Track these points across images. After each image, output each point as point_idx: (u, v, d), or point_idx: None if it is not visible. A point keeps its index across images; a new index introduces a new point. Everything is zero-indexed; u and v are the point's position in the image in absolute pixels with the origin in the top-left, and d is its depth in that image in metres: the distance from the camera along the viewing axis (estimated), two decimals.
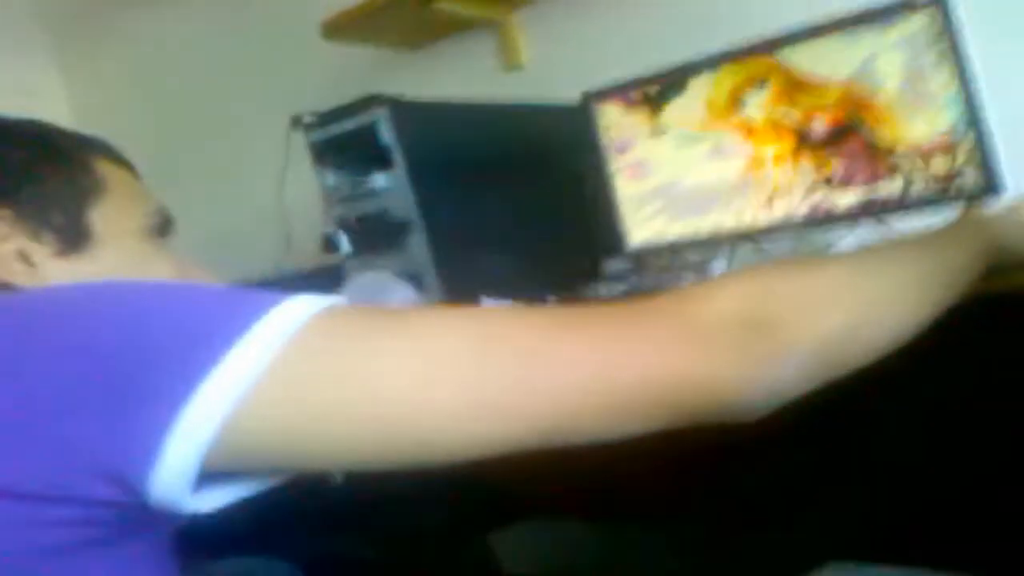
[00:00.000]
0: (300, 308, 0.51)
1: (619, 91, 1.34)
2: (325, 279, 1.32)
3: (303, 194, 1.52)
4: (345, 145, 1.38)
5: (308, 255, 1.46)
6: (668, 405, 0.54)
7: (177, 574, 0.60)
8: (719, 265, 1.19)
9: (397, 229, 1.31)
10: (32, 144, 0.72)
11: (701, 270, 1.20)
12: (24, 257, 0.68)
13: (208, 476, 0.49)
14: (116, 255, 0.72)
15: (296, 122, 1.48)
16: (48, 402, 0.47)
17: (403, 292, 1.19)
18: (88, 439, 0.46)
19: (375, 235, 1.33)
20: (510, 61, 1.87)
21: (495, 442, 0.53)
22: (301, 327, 0.50)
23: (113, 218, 0.72)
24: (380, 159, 1.32)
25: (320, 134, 1.40)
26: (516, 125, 1.49)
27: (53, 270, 0.68)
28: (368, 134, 1.33)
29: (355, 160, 1.39)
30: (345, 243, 1.34)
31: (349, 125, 1.36)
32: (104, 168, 0.74)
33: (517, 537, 1.49)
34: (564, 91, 1.47)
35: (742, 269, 0.61)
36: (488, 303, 1.23)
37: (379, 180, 1.33)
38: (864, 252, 0.64)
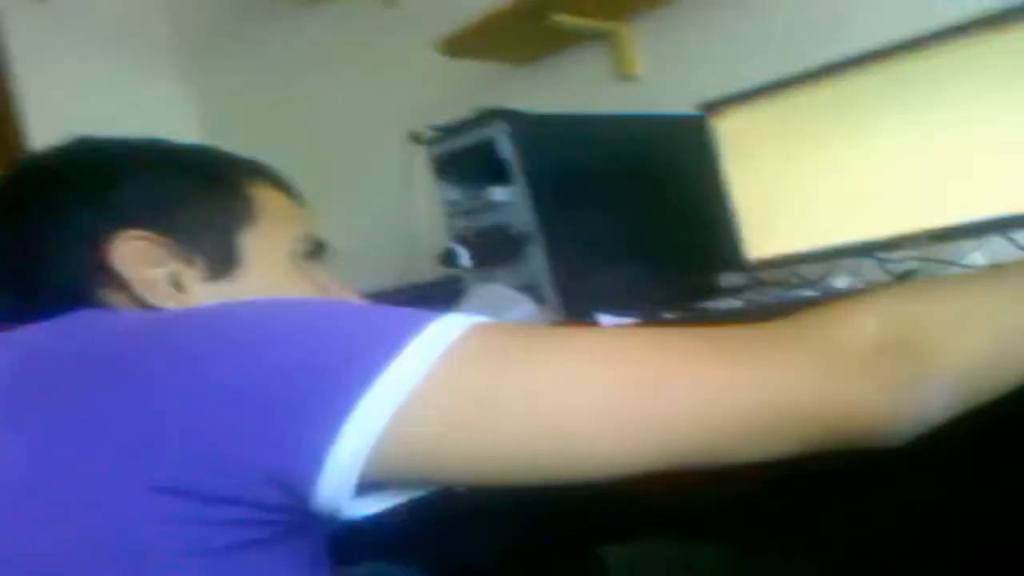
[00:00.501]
0: (451, 326, 0.54)
1: (737, 101, 1.34)
2: (445, 292, 1.36)
3: (423, 208, 1.57)
4: (465, 159, 1.41)
5: (428, 268, 1.50)
6: (806, 430, 0.55)
7: (329, 574, 0.64)
8: (840, 280, 1.18)
9: (516, 242, 1.33)
10: (190, 171, 0.74)
11: (821, 285, 1.19)
12: (175, 281, 0.70)
13: (365, 484, 0.52)
14: (263, 279, 0.73)
15: (415, 137, 1.53)
16: (227, 412, 0.50)
17: (523, 305, 1.22)
18: (261, 448, 0.50)
19: (494, 248, 1.36)
20: (624, 72, 1.88)
21: (633, 463, 0.54)
22: (452, 344, 0.53)
23: (262, 243, 0.74)
24: (499, 173, 1.35)
25: (440, 148, 1.44)
26: (634, 137, 1.50)
27: (202, 294, 0.70)
28: (487, 148, 1.36)
29: (475, 174, 1.42)
30: (465, 256, 1.38)
31: (468, 139, 1.40)
32: (259, 193, 0.76)
33: (632, 554, 1.50)
34: (678, 102, 1.47)
35: (879, 289, 0.61)
36: (605, 318, 1.25)
37: (498, 194, 1.36)
38: (1001, 271, 0.63)
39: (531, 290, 1.31)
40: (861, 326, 0.56)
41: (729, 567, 1.38)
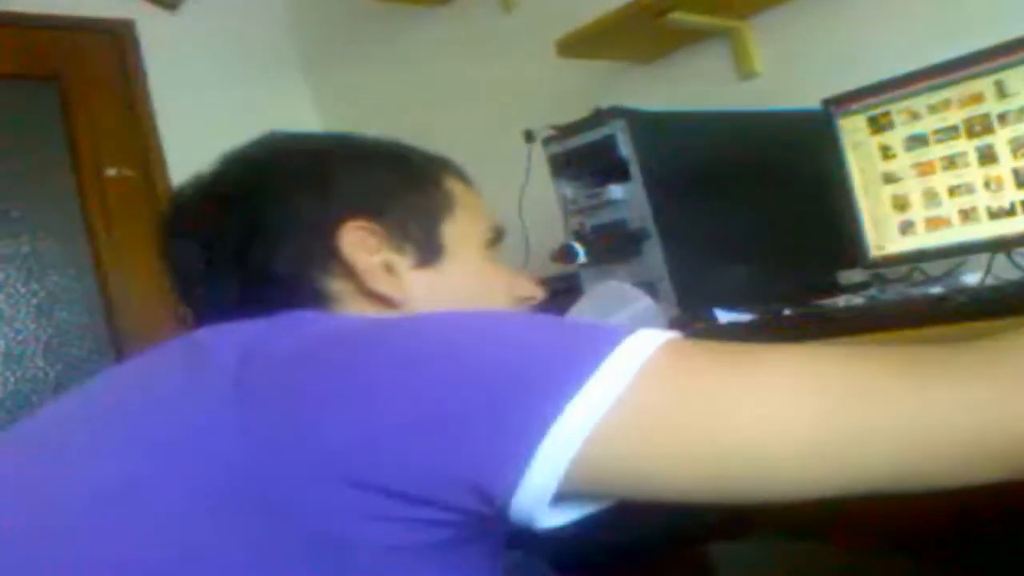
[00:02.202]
0: (647, 342, 0.55)
1: (861, 97, 1.34)
2: (562, 289, 1.40)
3: (539, 206, 1.61)
4: (582, 157, 1.45)
5: (545, 265, 1.54)
6: (1003, 458, 0.53)
7: (501, 569, 0.66)
8: (970, 277, 1.17)
9: (633, 239, 1.36)
10: (394, 164, 0.78)
11: (948, 282, 1.18)
12: (389, 268, 0.73)
13: (559, 496, 0.53)
14: (463, 266, 0.77)
15: (529, 136, 1.58)
16: (432, 420, 0.53)
17: (640, 301, 1.24)
18: (462, 457, 0.53)
19: (611, 245, 1.40)
20: (744, 70, 1.89)
21: (829, 487, 0.54)
22: (648, 360, 0.54)
23: (460, 232, 0.77)
24: (617, 170, 1.38)
25: (558, 147, 1.48)
26: (752, 133, 1.51)
27: (412, 280, 0.73)
28: (605, 146, 1.39)
29: (592, 172, 1.45)
30: (582, 253, 1.42)
31: (587, 137, 1.43)
32: (452, 185, 0.79)
33: (742, 553, 1.50)
34: (800, 98, 1.47)
35: None
36: (722, 314, 1.27)
37: (616, 191, 1.39)
38: None
39: (648, 286, 1.33)
40: None
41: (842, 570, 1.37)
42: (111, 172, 2.66)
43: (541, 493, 0.53)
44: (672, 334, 0.57)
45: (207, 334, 0.65)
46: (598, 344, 0.55)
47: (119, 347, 2.53)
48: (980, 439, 0.52)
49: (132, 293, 2.54)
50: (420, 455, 0.53)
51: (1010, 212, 1.19)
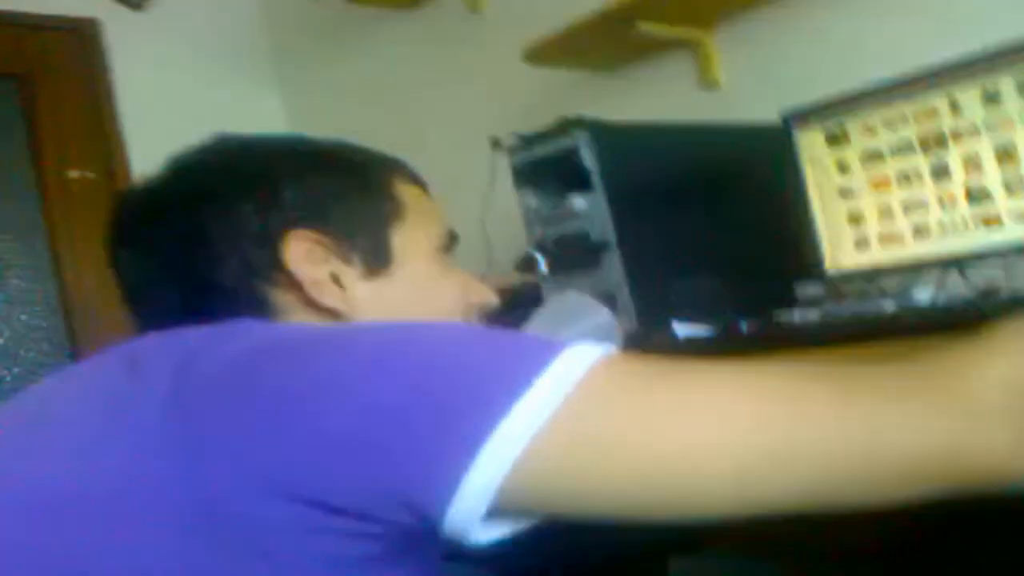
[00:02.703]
0: (583, 357, 0.55)
1: (820, 111, 1.35)
2: (522, 299, 1.40)
3: (504, 214, 1.62)
4: (546, 167, 1.45)
5: (508, 275, 1.55)
6: (936, 477, 0.54)
7: None
8: (922, 293, 1.19)
9: (593, 250, 1.37)
10: (342, 170, 0.76)
11: (902, 297, 1.20)
12: (336, 279, 0.72)
13: (492, 511, 0.54)
14: (413, 276, 0.76)
15: (495, 144, 1.58)
16: (365, 435, 0.53)
17: (600, 313, 1.25)
18: (395, 472, 0.53)
19: (572, 256, 1.40)
20: (707, 80, 1.91)
21: (758, 506, 0.54)
22: (582, 377, 0.54)
23: (410, 239, 0.76)
24: (579, 181, 1.39)
25: (522, 156, 1.49)
26: (713, 146, 1.52)
27: (360, 291, 0.73)
28: (569, 157, 1.40)
29: (555, 182, 1.46)
30: (543, 263, 1.43)
31: (550, 148, 1.44)
32: (403, 190, 0.78)
33: (698, 570, 1.51)
34: (761, 109, 1.49)
35: (1007, 326, 0.59)
36: (680, 327, 1.28)
37: (577, 202, 1.40)
38: None
39: (608, 298, 1.34)
40: (993, 371, 0.55)
41: None
42: (73, 174, 2.64)
43: (473, 510, 0.53)
44: (608, 350, 0.57)
45: (145, 343, 0.65)
46: (532, 361, 0.55)
47: (78, 351, 2.51)
48: (910, 459, 0.54)
49: (92, 296, 2.51)
50: (353, 470, 0.53)
51: (962, 228, 1.21)
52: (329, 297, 0.71)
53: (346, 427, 0.53)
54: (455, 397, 0.54)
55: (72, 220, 2.59)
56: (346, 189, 0.75)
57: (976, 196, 1.20)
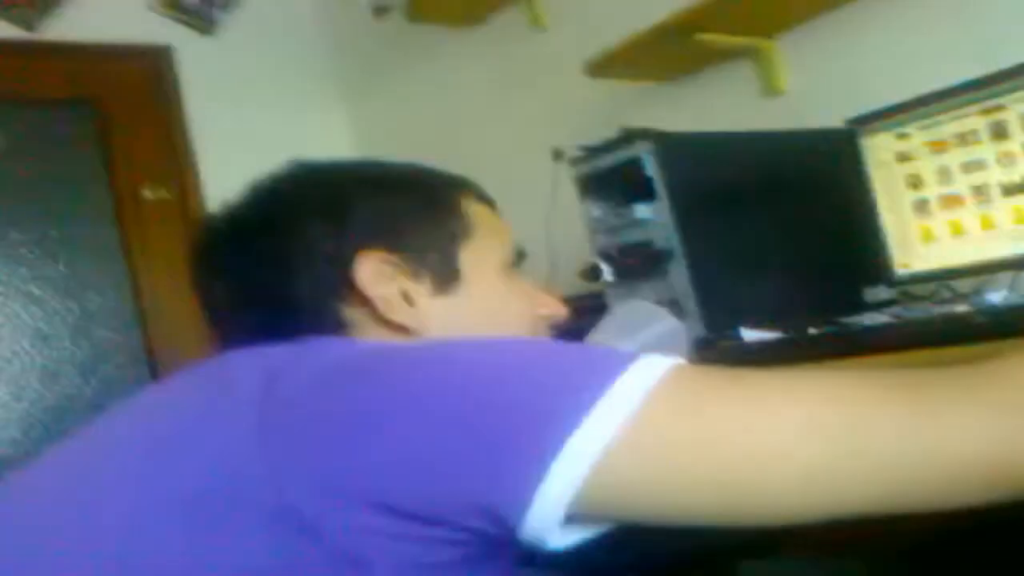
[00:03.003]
0: (653, 368, 0.57)
1: (887, 115, 1.35)
2: (588, 307, 1.41)
3: (567, 225, 1.64)
4: (609, 178, 1.47)
5: (572, 284, 1.56)
6: (999, 481, 0.54)
7: None
8: (995, 295, 1.17)
9: (659, 258, 1.38)
10: (411, 191, 0.79)
11: (974, 300, 1.18)
12: (406, 297, 0.74)
13: (569, 517, 0.55)
14: (481, 292, 0.78)
15: (557, 155, 1.60)
16: (444, 444, 0.55)
17: (665, 320, 1.26)
18: (475, 482, 0.54)
19: (637, 264, 1.41)
20: (771, 88, 1.90)
21: (828, 510, 0.55)
22: (655, 386, 0.55)
23: (479, 257, 0.79)
24: (643, 191, 1.40)
25: (586, 167, 1.50)
26: (777, 153, 1.52)
27: (430, 308, 0.75)
28: (631, 167, 1.41)
29: (618, 191, 1.47)
30: (608, 272, 1.43)
31: (613, 158, 1.45)
32: (471, 209, 0.81)
33: (771, 571, 1.50)
34: (826, 117, 1.48)
35: None
36: (748, 333, 1.28)
37: (642, 211, 1.40)
38: None
39: (674, 305, 1.35)
40: None
41: None
42: (147, 194, 2.73)
43: (550, 517, 0.54)
44: (678, 360, 0.58)
45: (232, 359, 0.68)
46: (604, 371, 0.56)
47: (154, 366, 2.59)
48: (978, 465, 0.54)
49: (167, 312, 2.59)
50: (435, 479, 0.55)
51: None
52: (399, 314, 0.74)
53: (425, 440, 0.56)
54: (529, 407, 0.56)
55: (146, 238, 2.69)
56: (415, 209, 0.78)
57: None
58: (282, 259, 0.74)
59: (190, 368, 0.70)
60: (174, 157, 2.77)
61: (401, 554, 0.56)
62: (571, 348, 0.62)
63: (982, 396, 0.55)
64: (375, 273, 0.74)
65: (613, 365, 0.56)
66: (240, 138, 2.71)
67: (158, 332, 2.62)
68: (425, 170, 0.83)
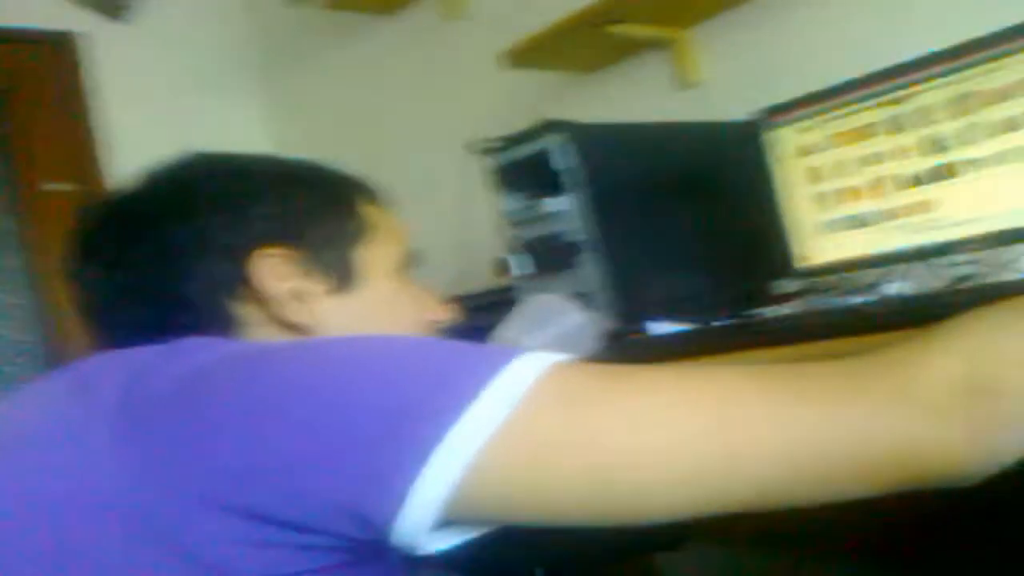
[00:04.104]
0: (533, 365, 0.56)
1: (797, 107, 1.36)
2: (499, 301, 1.41)
3: (481, 218, 1.63)
4: (523, 169, 1.46)
5: (484, 278, 1.56)
6: (889, 473, 0.55)
7: None
8: (893, 286, 1.19)
9: (570, 251, 1.38)
10: (312, 188, 0.78)
11: (874, 291, 1.21)
12: (298, 295, 0.73)
13: (441, 520, 0.54)
14: (374, 292, 0.78)
15: (472, 147, 1.59)
16: (310, 447, 0.54)
17: (574, 314, 1.26)
18: (341, 484, 0.53)
19: (549, 258, 1.41)
20: (685, 80, 1.92)
21: (712, 505, 0.55)
22: (535, 383, 0.55)
23: (373, 257, 0.78)
24: (556, 183, 1.40)
25: (499, 159, 1.50)
26: (688, 145, 1.54)
27: (322, 307, 0.74)
28: (546, 158, 1.41)
29: (531, 184, 1.47)
30: (519, 265, 1.43)
31: (527, 150, 1.45)
32: (368, 210, 0.80)
33: (686, 560, 1.52)
34: (741, 109, 1.50)
35: (962, 320, 0.59)
36: (656, 325, 1.29)
37: (552, 204, 1.41)
38: None
39: (585, 298, 1.35)
40: (945, 367, 0.55)
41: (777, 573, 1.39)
42: (50, 186, 2.64)
43: (421, 520, 0.53)
44: (558, 357, 0.58)
45: (93, 363, 0.66)
46: (480, 369, 0.55)
47: (56, 365, 2.50)
48: (863, 457, 0.54)
49: (69, 310, 2.51)
50: (298, 482, 0.53)
51: (936, 222, 1.22)
52: (293, 313, 0.73)
53: (288, 439, 0.54)
54: (400, 407, 0.54)
55: (49, 233, 2.60)
56: (314, 208, 0.77)
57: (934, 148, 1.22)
58: (173, 250, 0.72)
59: (47, 376, 0.68)
60: (80, 148, 2.68)
61: (267, 562, 0.55)
62: (449, 346, 0.60)
63: (874, 390, 0.55)
64: (272, 271, 0.72)
65: (490, 363, 0.55)
66: (154, 128, 2.64)
67: (60, 330, 2.54)
68: (325, 168, 0.82)
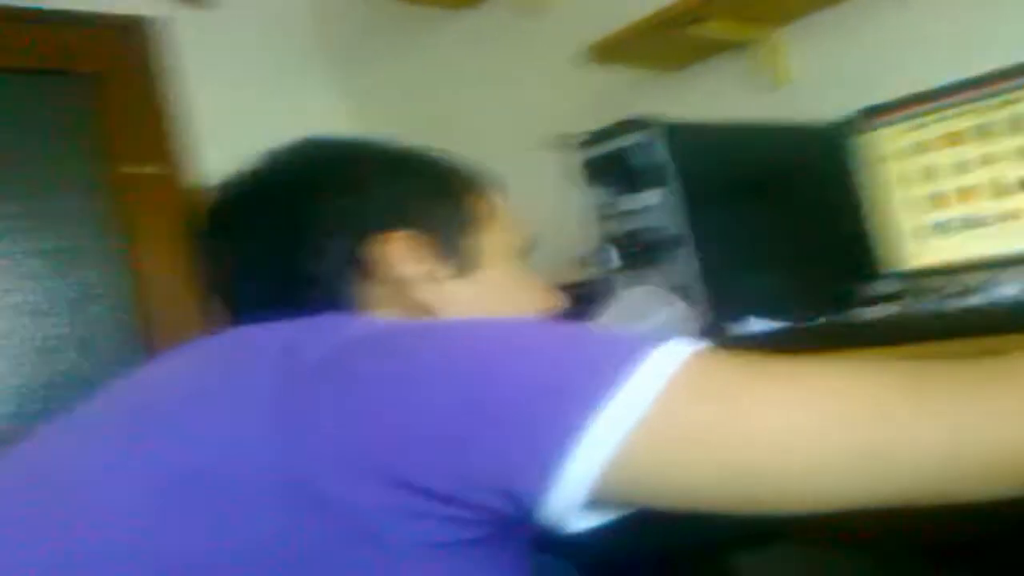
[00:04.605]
0: (677, 352, 0.57)
1: (894, 108, 1.37)
2: (592, 295, 1.43)
3: (567, 213, 1.65)
4: (612, 164, 1.48)
5: (574, 272, 1.58)
6: (1019, 475, 0.55)
7: (528, 570, 0.68)
8: (1008, 288, 1.18)
9: (664, 246, 1.40)
10: (432, 174, 0.82)
11: (984, 294, 1.20)
12: (432, 277, 0.76)
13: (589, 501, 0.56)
14: (495, 277, 0.81)
15: (559, 142, 1.61)
16: (466, 423, 0.56)
17: (672, 306, 1.28)
18: (495, 461, 0.55)
19: (642, 251, 1.43)
20: (774, 80, 1.91)
21: (855, 501, 0.56)
22: (678, 371, 0.56)
23: (494, 243, 0.82)
24: (647, 178, 1.42)
25: (588, 153, 1.51)
26: (784, 143, 1.55)
27: (451, 289, 0.77)
28: (635, 154, 1.43)
29: (619, 179, 1.48)
30: (613, 259, 1.45)
31: (617, 144, 1.46)
32: (488, 196, 0.84)
33: (767, 563, 1.52)
34: (829, 110, 1.51)
35: None
36: (754, 321, 1.30)
37: (648, 198, 1.42)
38: None
39: (679, 292, 1.37)
40: None
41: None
42: (137, 169, 2.71)
43: (571, 499, 0.55)
44: (701, 345, 0.59)
45: (245, 334, 0.68)
46: (630, 354, 0.57)
47: (149, 343, 2.57)
48: (1000, 455, 0.54)
49: (161, 289, 2.58)
50: (454, 456, 0.55)
51: None
52: (425, 294, 0.75)
53: (446, 415, 0.56)
54: (554, 388, 0.56)
55: (139, 214, 2.67)
56: (439, 192, 0.80)
57: None
58: (306, 226, 0.75)
59: (196, 343, 0.70)
60: (167, 132, 2.75)
61: (415, 532, 0.56)
62: (596, 332, 0.64)
63: (1002, 390, 0.56)
64: (404, 252, 0.75)
65: (638, 348, 0.57)
66: (234, 113, 2.70)
67: (152, 309, 2.61)
68: (444, 156, 0.85)
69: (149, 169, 2.71)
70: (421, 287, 0.76)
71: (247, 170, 0.80)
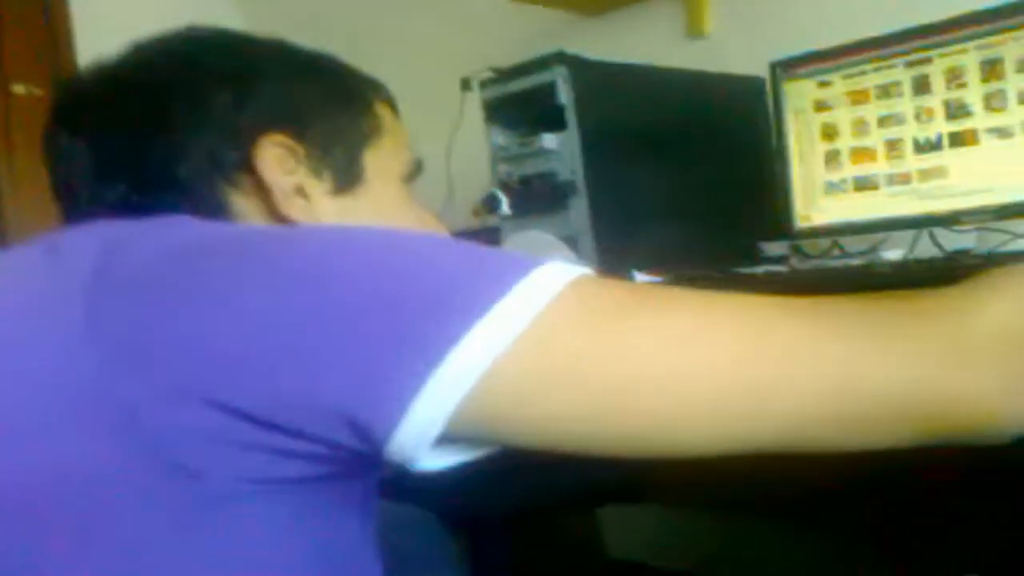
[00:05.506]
0: (557, 275, 0.52)
1: (810, 62, 1.35)
2: (481, 240, 1.39)
3: (470, 156, 1.61)
4: (519, 104, 1.43)
5: (468, 218, 1.54)
6: (921, 421, 0.53)
7: (375, 513, 0.63)
8: (891, 252, 1.19)
9: (559, 192, 1.36)
10: (326, 79, 0.74)
11: (869, 256, 1.20)
12: (302, 192, 0.69)
13: (442, 437, 0.51)
14: (378, 197, 0.74)
15: (465, 84, 1.56)
16: (308, 339, 0.50)
17: (563, 253, 1.25)
18: (338, 383, 0.49)
19: (536, 197, 1.39)
20: (694, 29, 1.90)
21: (736, 442, 0.53)
22: (557, 294, 0.51)
23: (382, 162, 0.74)
24: (552, 119, 1.37)
25: (495, 91, 1.46)
26: (695, 94, 1.52)
27: (325, 206, 0.70)
28: (545, 93, 1.38)
29: (527, 120, 1.44)
30: (505, 203, 1.41)
31: (525, 83, 1.42)
32: (382, 112, 0.76)
33: (625, 518, 1.52)
34: (749, 62, 1.48)
35: (1014, 270, 0.58)
36: (640, 276, 1.28)
37: (548, 140, 1.38)
38: None
39: (570, 242, 1.34)
40: (993, 314, 0.54)
41: (720, 533, 1.41)
42: (19, 89, 2.57)
43: (425, 431, 0.50)
44: (585, 269, 0.55)
45: (65, 235, 0.61)
46: (505, 272, 0.52)
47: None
48: (893, 399, 0.52)
49: (33, 220, 2.46)
50: (289, 378, 0.50)
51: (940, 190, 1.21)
52: (293, 209, 0.69)
53: (284, 330, 0.50)
54: (413, 307, 0.50)
55: (13, 139, 2.53)
56: (327, 98, 0.73)
57: (954, 113, 1.21)
58: (169, 125, 0.66)
59: (18, 248, 0.64)
60: (51, 50, 2.61)
61: (239, 465, 0.51)
62: (469, 248, 0.56)
63: (909, 332, 0.54)
64: (278, 160, 0.68)
65: (514, 268, 0.52)
66: (127, 31, 2.57)
67: (21, 235, 2.50)
68: (340, 62, 0.78)
69: (27, 90, 2.57)
70: (291, 201, 0.68)
71: (111, 58, 0.71)
